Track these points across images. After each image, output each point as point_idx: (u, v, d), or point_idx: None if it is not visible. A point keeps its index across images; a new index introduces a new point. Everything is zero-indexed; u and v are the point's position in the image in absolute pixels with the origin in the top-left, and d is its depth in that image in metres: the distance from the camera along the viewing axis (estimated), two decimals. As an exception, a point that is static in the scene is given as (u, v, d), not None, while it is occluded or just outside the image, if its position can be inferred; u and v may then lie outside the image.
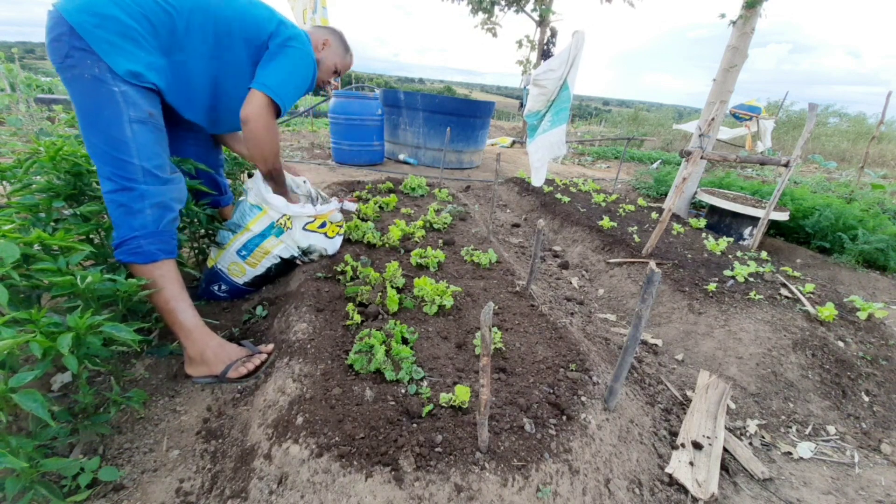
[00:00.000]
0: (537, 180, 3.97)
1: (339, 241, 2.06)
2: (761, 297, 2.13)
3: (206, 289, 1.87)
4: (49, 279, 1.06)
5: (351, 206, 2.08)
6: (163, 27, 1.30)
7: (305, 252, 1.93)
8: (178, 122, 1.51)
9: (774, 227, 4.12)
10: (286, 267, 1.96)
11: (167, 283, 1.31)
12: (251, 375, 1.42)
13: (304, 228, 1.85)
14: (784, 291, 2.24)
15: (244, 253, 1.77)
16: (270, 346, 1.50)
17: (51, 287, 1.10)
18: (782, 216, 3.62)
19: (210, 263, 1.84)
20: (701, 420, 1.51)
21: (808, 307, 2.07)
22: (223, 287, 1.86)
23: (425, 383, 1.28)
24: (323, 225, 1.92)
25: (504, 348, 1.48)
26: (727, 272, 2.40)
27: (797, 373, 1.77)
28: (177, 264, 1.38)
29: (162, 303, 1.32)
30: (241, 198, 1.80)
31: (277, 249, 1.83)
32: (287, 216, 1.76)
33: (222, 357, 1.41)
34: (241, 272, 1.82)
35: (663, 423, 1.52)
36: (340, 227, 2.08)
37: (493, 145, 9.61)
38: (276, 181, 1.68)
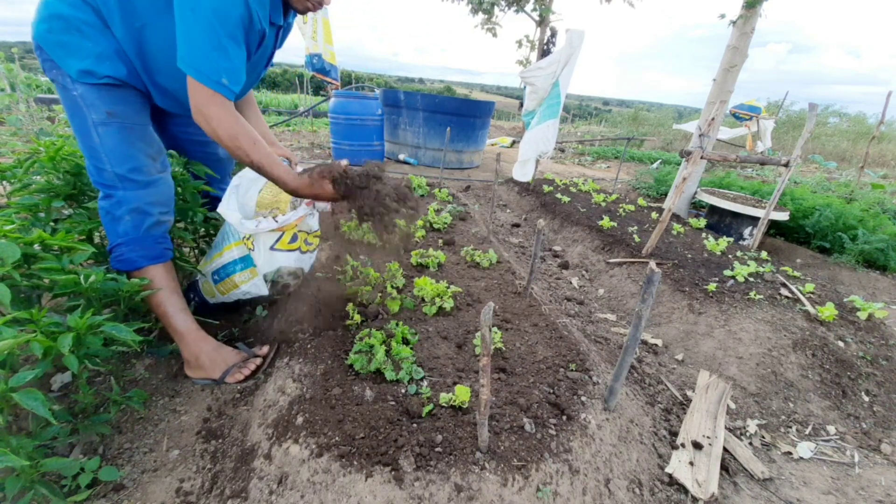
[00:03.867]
0: (520, 174, 3.97)
1: (314, 255, 1.74)
2: (761, 297, 2.13)
3: (186, 292, 1.68)
4: (52, 278, 1.06)
5: (323, 206, 1.64)
6: (101, 2, 1.12)
7: (275, 282, 1.59)
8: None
9: (774, 227, 4.12)
10: (259, 299, 1.69)
11: (161, 286, 1.30)
12: (248, 380, 1.42)
13: (271, 248, 1.53)
14: (784, 291, 2.24)
15: (216, 278, 1.59)
16: (265, 349, 1.48)
17: (52, 287, 1.10)
18: (782, 216, 3.62)
19: (200, 267, 1.66)
20: (701, 420, 1.51)
21: (808, 307, 2.07)
22: (196, 299, 1.69)
23: (425, 383, 1.28)
24: (294, 238, 1.56)
25: (504, 348, 1.48)
26: (727, 272, 2.40)
27: (797, 373, 1.77)
28: (171, 267, 1.36)
29: (154, 307, 1.32)
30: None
31: (246, 286, 1.56)
32: (248, 237, 1.50)
33: (217, 362, 1.39)
34: (212, 293, 1.64)
35: (663, 422, 1.52)
36: (318, 236, 1.71)
37: (493, 145, 9.61)
38: (265, 174, 1.22)
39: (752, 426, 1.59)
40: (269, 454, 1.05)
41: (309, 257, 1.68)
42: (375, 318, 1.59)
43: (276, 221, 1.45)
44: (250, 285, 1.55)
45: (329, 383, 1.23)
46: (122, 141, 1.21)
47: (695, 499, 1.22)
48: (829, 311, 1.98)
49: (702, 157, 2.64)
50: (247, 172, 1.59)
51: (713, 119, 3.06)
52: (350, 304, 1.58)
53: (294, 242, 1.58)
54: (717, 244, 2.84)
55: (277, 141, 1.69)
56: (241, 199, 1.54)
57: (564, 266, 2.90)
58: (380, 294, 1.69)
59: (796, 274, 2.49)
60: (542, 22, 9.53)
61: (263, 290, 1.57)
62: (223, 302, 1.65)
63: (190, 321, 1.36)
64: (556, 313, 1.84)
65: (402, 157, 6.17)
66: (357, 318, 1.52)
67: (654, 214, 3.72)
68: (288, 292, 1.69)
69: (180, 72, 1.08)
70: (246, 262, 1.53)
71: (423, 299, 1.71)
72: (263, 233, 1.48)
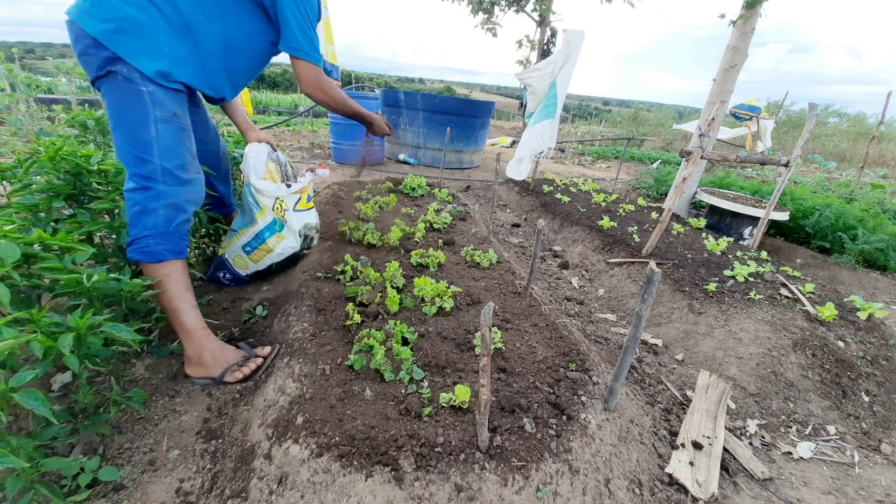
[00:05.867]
0: (514, 172, 3.96)
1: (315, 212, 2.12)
2: (761, 297, 2.13)
3: (213, 273, 1.97)
4: (54, 277, 1.06)
5: (324, 172, 2.12)
6: (168, 7, 1.26)
7: (305, 237, 1.96)
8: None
9: (774, 227, 4.12)
10: (288, 263, 2.00)
11: (172, 283, 1.32)
12: (247, 380, 1.42)
13: (295, 209, 1.87)
14: (784, 291, 2.24)
15: (248, 249, 1.84)
16: (267, 350, 1.49)
17: (53, 286, 1.10)
18: (782, 216, 3.62)
19: (220, 251, 1.93)
20: (701, 420, 1.51)
21: (808, 307, 2.07)
22: (227, 276, 1.95)
23: (425, 383, 1.28)
24: (308, 199, 1.97)
25: (504, 348, 1.48)
26: (727, 272, 2.40)
27: (797, 373, 1.77)
28: (186, 265, 1.38)
29: (166, 302, 1.33)
30: (244, 187, 1.83)
31: (280, 247, 1.87)
32: (280, 199, 1.80)
33: (220, 360, 1.41)
34: (245, 266, 1.90)
35: (663, 422, 1.52)
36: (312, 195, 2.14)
37: (493, 145, 9.61)
38: (358, 116, 1.81)
39: (752, 426, 1.59)
40: (269, 454, 1.05)
41: (315, 214, 2.07)
42: (375, 318, 1.59)
43: (298, 184, 1.84)
44: (283, 246, 1.88)
45: (329, 383, 1.23)
46: (176, 139, 1.32)
47: (695, 499, 1.22)
48: (829, 311, 1.98)
49: (702, 157, 2.64)
50: (248, 151, 1.84)
51: (713, 119, 3.06)
52: (350, 304, 1.58)
53: (309, 202, 1.97)
54: (717, 244, 2.84)
55: (254, 125, 1.95)
56: (260, 173, 1.81)
57: (564, 266, 2.90)
58: (380, 294, 1.69)
59: (796, 274, 2.49)
60: (542, 22, 9.53)
61: (297, 246, 1.93)
62: (256, 271, 1.92)
63: (199, 319, 1.38)
64: (556, 313, 1.84)
65: (402, 157, 6.17)
66: (357, 318, 1.52)
67: (654, 214, 3.72)
68: (313, 245, 2.09)
69: (227, 67, 1.43)
70: (272, 228, 1.83)
71: (423, 299, 1.71)
72: (288, 196, 1.82)
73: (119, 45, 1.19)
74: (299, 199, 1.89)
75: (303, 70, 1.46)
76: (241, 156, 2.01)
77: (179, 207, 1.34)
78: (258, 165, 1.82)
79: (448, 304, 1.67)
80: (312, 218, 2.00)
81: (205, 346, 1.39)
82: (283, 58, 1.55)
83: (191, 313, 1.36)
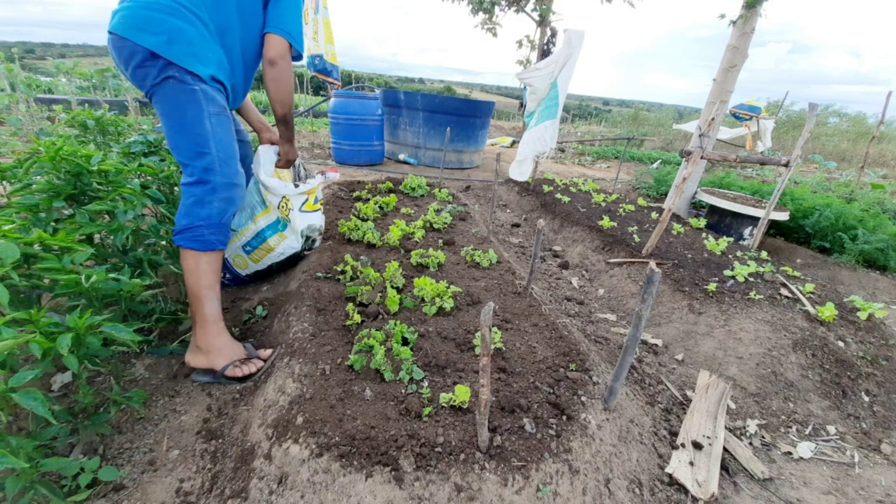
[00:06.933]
0: (517, 174, 3.97)
1: (323, 215, 2.13)
2: (761, 297, 2.13)
3: None
4: (54, 277, 1.06)
5: (334, 175, 2.16)
6: (205, 16, 1.36)
7: (307, 238, 1.97)
8: None
9: (774, 227, 4.12)
10: (288, 263, 2.00)
11: (210, 272, 1.41)
12: (246, 379, 1.43)
13: (301, 210, 1.88)
14: (784, 291, 2.24)
15: (248, 249, 1.85)
16: (268, 352, 1.51)
17: (52, 287, 1.10)
18: (782, 216, 3.62)
19: None
20: (701, 420, 1.51)
21: (808, 307, 2.07)
22: (227, 276, 1.95)
23: (425, 383, 1.28)
24: (316, 201, 1.99)
25: (504, 348, 1.48)
26: (727, 272, 2.40)
27: (797, 373, 1.77)
28: (222, 256, 1.48)
29: (197, 288, 1.39)
30: (250, 185, 1.83)
31: (281, 246, 1.88)
32: (287, 198, 1.81)
33: (226, 353, 1.44)
34: (244, 265, 1.91)
35: (663, 422, 1.52)
36: (322, 203, 2.16)
37: (493, 145, 9.61)
38: (288, 125, 1.70)
39: (752, 426, 1.59)
40: (269, 454, 1.05)
41: (322, 217, 2.08)
42: (375, 318, 1.59)
43: (307, 185, 1.85)
44: (284, 245, 1.88)
45: (329, 383, 1.23)
46: (227, 132, 1.44)
47: (695, 499, 1.22)
48: (829, 311, 1.98)
49: (702, 157, 2.64)
50: (261, 150, 1.83)
51: (713, 119, 3.06)
52: (350, 304, 1.58)
53: (316, 204, 1.98)
54: (717, 244, 2.84)
55: (269, 125, 1.93)
56: (268, 171, 1.81)
57: (564, 266, 2.90)
58: (380, 294, 1.69)
59: (796, 274, 2.49)
60: (542, 22, 9.53)
61: (298, 246, 1.92)
62: (256, 271, 1.92)
63: (218, 311, 1.45)
64: (556, 313, 1.84)
65: (402, 157, 6.17)
66: (357, 318, 1.52)
67: (654, 214, 3.72)
68: (315, 247, 2.08)
69: (246, 68, 1.53)
70: (275, 227, 1.84)
71: (423, 299, 1.71)
72: (295, 196, 1.83)
73: (174, 54, 1.28)
74: (306, 200, 1.90)
75: (280, 42, 1.46)
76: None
77: (231, 201, 1.45)
78: (267, 164, 1.83)
79: (448, 304, 1.67)
80: (317, 220, 2.02)
81: (216, 337, 1.43)
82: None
83: (214, 303, 1.43)
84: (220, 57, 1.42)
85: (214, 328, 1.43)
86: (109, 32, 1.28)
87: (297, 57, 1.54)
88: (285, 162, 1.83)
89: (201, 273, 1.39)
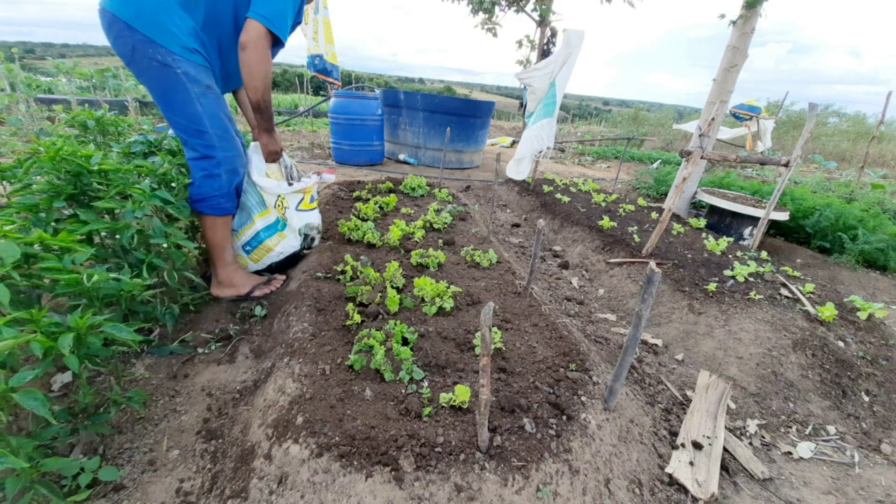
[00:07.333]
0: (514, 172, 3.97)
1: (319, 214, 2.18)
2: (761, 297, 2.13)
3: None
4: (54, 277, 1.06)
5: (330, 177, 2.19)
6: None
7: (306, 236, 2.02)
8: None
9: (774, 227, 4.12)
10: (288, 263, 2.03)
11: (226, 229, 1.73)
12: (271, 294, 1.85)
13: (297, 209, 1.93)
14: (784, 291, 2.24)
15: (248, 248, 1.90)
16: (283, 277, 1.91)
17: (53, 286, 1.10)
18: (782, 216, 3.62)
19: None
20: (701, 420, 1.51)
21: (809, 307, 2.07)
22: None
23: (425, 383, 1.28)
24: (312, 200, 2.03)
25: (504, 348, 1.48)
26: (727, 272, 2.40)
27: (797, 373, 1.77)
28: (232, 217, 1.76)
29: (216, 241, 1.70)
30: (246, 184, 1.83)
31: (280, 246, 1.92)
32: (282, 197, 1.86)
33: (246, 282, 1.79)
34: (245, 265, 1.94)
35: (663, 422, 1.52)
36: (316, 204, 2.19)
37: (493, 145, 9.61)
38: (264, 114, 1.66)
39: (752, 426, 1.59)
40: (269, 454, 1.05)
41: (319, 215, 2.13)
42: (375, 318, 1.59)
43: (302, 183, 1.89)
44: (284, 245, 1.94)
45: (329, 383, 1.23)
46: (218, 108, 1.55)
47: (695, 499, 1.22)
48: (829, 311, 1.98)
49: (702, 157, 2.64)
50: (252, 147, 1.86)
51: (713, 119, 3.06)
52: (350, 304, 1.58)
53: (312, 203, 2.02)
54: (717, 244, 2.84)
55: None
56: (260, 170, 1.85)
57: (564, 266, 2.90)
58: (380, 294, 1.69)
59: (796, 274, 2.49)
60: (542, 22, 9.52)
61: (297, 245, 1.98)
62: (256, 271, 1.97)
63: (233, 256, 1.79)
64: (556, 313, 1.84)
65: (402, 157, 6.17)
66: (357, 318, 1.52)
67: (654, 214, 3.72)
68: (314, 246, 2.14)
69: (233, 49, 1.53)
70: (273, 227, 1.89)
71: (423, 299, 1.71)
72: (291, 194, 1.88)
73: (146, 25, 1.35)
74: (302, 199, 1.92)
75: (255, 27, 1.45)
76: None
77: (236, 171, 1.68)
78: (259, 164, 1.83)
79: (448, 304, 1.67)
80: (314, 218, 2.05)
81: (235, 272, 1.78)
82: (282, 58, 1.58)
83: (230, 251, 1.76)
84: (191, 26, 1.47)
85: (233, 267, 1.77)
86: (99, 6, 1.38)
87: (278, 43, 1.52)
88: (267, 154, 1.82)
89: (219, 230, 1.69)
